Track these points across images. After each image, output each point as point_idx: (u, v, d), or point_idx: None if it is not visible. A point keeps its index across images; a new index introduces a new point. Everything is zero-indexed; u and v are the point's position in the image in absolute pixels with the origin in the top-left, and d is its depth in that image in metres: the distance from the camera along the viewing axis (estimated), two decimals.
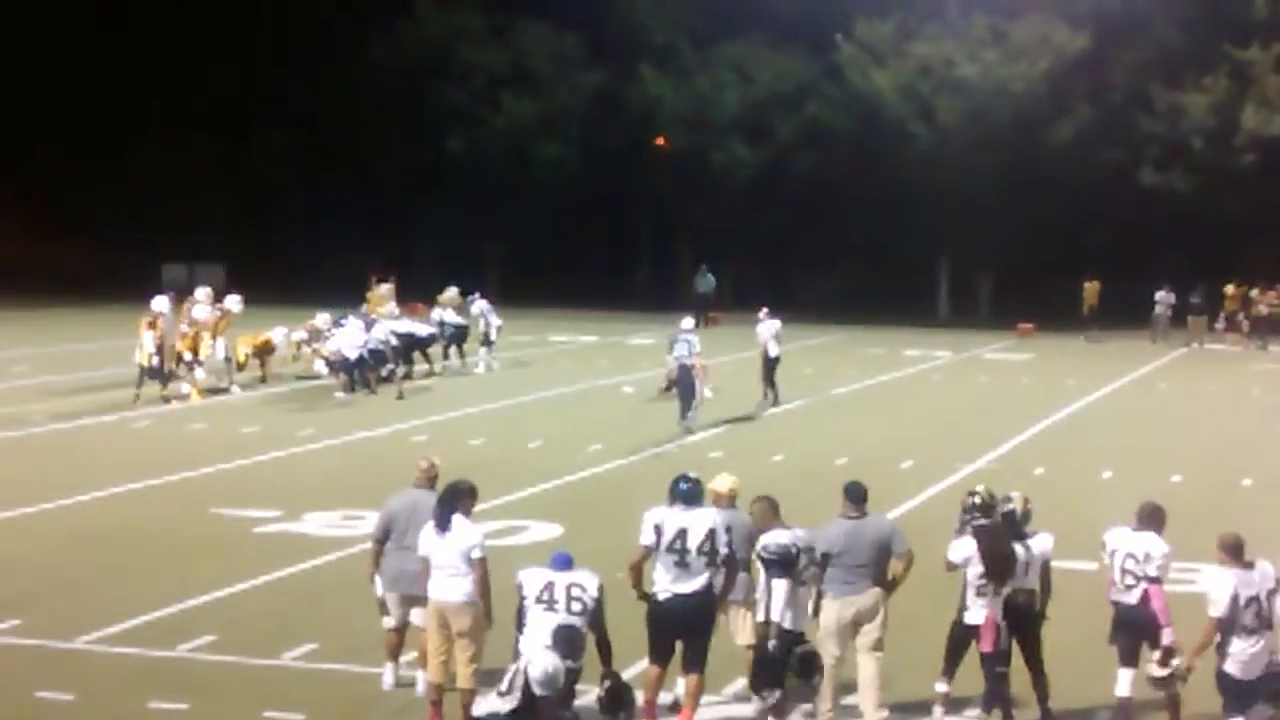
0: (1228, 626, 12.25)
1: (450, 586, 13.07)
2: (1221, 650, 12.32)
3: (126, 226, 67.47)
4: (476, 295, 40.22)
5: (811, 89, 62.24)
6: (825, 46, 60.16)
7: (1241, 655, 12.28)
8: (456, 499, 13.32)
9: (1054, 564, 13.70)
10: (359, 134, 64.45)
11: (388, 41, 64.57)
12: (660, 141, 65.35)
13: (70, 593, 17.41)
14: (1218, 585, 12.35)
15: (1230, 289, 52.21)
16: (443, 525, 13.15)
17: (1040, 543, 13.51)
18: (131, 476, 24.24)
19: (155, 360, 32.54)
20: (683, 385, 29.96)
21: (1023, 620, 13.39)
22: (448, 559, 13.10)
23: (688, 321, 32.29)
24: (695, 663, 13.26)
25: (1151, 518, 13.31)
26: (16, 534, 20.51)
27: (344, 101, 64.14)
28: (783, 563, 12.90)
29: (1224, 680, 12.39)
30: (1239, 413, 34.49)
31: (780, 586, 12.94)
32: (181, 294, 35.40)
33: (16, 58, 67.06)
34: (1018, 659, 13.41)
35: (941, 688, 13.41)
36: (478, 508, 13.71)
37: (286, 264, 62.56)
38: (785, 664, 13.09)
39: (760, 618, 13.04)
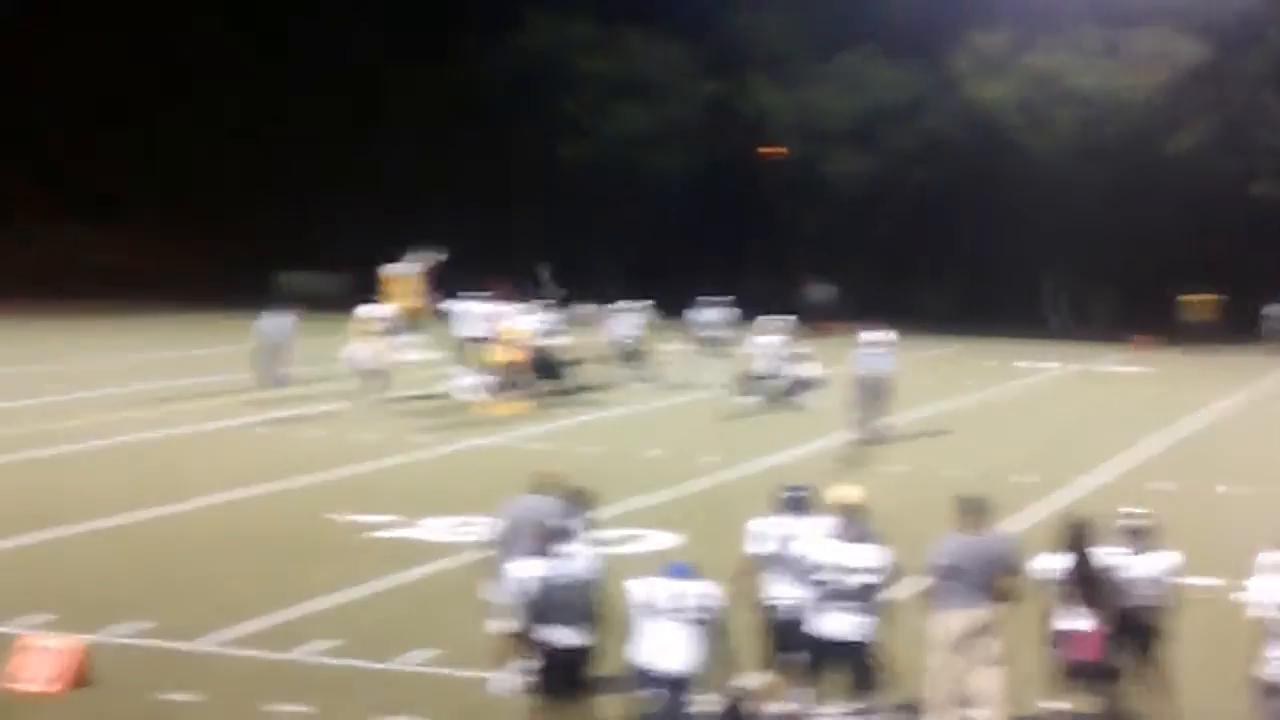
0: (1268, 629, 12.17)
1: None
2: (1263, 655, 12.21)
3: (248, 234, 68.38)
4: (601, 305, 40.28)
5: (925, 101, 61.96)
6: (939, 58, 59.92)
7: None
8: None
9: (1177, 580, 13.55)
10: (474, 143, 64.77)
11: (501, 51, 64.89)
12: (772, 151, 65.27)
13: (194, 595, 17.63)
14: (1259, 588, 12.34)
15: None
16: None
17: (1160, 559, 13.34)
18: (252, 481, 24.56)
19: (373, 364, 33.53)
20: (874, 396, 29.59)
21: (1143, 638, 13.25)
22: None
23: (875, 333, 30.66)
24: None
25: None
26: (142, 538, 20.83)
27: (459, 111, 64.50)
28: None
29: (1258, 686, 12.20)
30: None
31: None
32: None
33: (146, 66, 68.14)
34: (1143, 678, 13.27)
35: (1056, 705, 13.28)
36: (595, 515, 13.77)
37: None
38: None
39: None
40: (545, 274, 39.28)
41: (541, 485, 14.48)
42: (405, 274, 39.91)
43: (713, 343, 41.80)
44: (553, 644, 12.26)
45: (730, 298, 43.71)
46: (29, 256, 68.52)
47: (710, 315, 42.75)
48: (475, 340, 35.46)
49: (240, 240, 69.37)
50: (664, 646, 12.04)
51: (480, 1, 64.70)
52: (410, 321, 36.64)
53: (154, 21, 68.34)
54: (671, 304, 46.65)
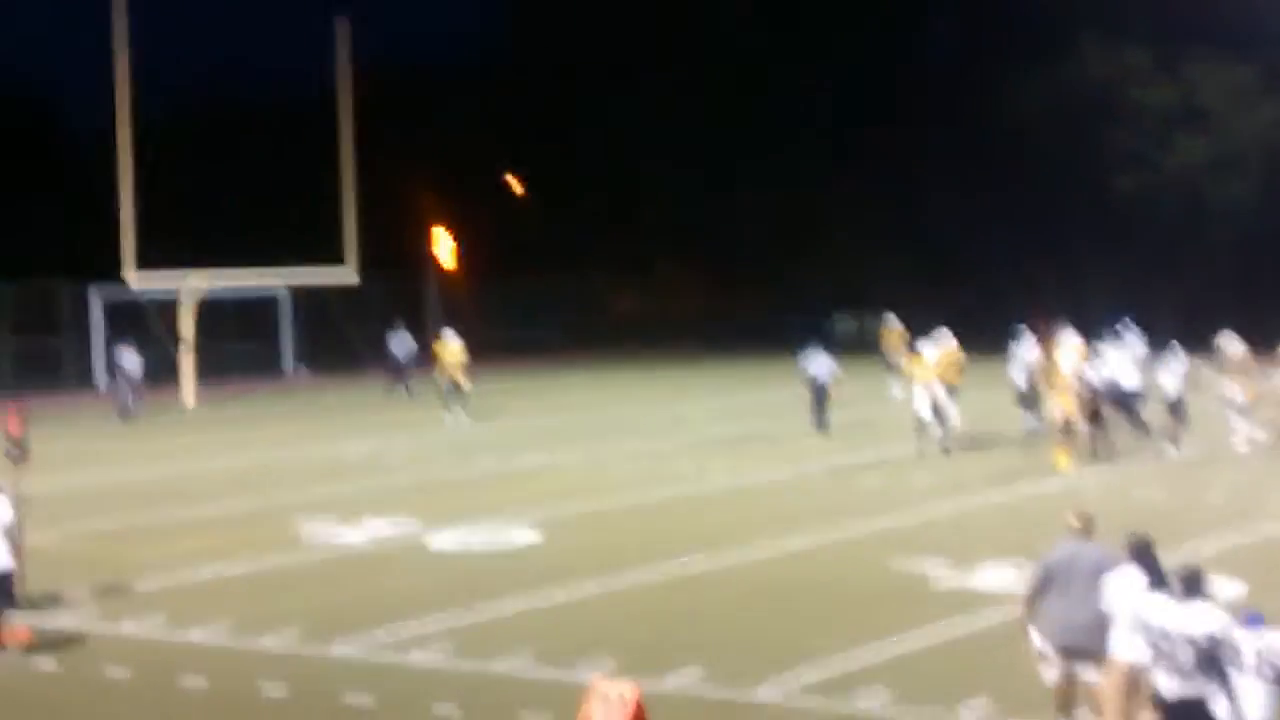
0: None
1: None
2: None
3: (793, 278, 69.79)
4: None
5: None
6: None
7: None
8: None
9: None
10: (1025, 179, 64.10)
11: (1053, 84, 64.07)
12: None
13: (750, 643, 17.89)
14: None
15: None
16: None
17: None
18: (809, 528, 24.85)
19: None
20: None
21: None
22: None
23: None
24: None
25: None
26: (701, 587, 21.22)
27: (1008, 148, 63.95)
28: None
29: None
30: None
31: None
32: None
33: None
34: None
35: None
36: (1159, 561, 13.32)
37: (957, 312, 62.82)
38: None
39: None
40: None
41: (1090, 529, 14.18)
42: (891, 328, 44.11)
43: None
44: (1162, 695, 11.90)
45: None
46: (588, 306, 71.74)
47: None
48: (1028, 384, 35.26)
49: (784, 285, 70.75)
50: (1240, 700, 11.57)
51: (1026, 35, 64.07)
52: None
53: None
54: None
